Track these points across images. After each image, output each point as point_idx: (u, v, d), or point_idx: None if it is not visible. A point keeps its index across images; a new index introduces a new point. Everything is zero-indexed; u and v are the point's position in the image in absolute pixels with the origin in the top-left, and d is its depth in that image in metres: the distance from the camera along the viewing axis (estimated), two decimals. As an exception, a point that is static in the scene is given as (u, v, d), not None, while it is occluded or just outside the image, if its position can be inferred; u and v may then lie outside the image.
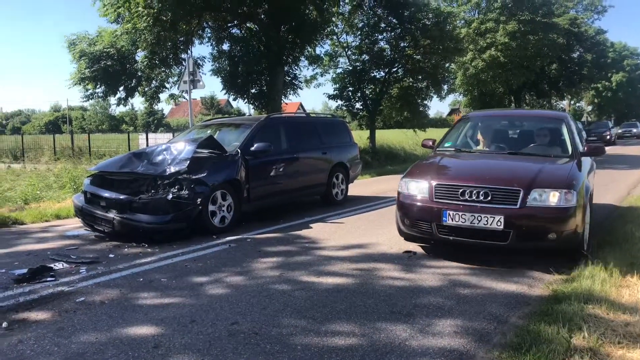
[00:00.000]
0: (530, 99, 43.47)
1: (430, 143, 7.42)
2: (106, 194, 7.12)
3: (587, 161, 6.59)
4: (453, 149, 7.11)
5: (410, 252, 6.15)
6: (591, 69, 41.36)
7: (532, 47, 31.49)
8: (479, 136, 7.39)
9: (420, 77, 23.58)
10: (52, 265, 5.64)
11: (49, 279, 5.21)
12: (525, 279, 5.10)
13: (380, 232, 7.32)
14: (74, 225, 8.12)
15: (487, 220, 5.27)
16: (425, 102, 24.90)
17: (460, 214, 5.41)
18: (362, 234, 7.24)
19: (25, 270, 5.36)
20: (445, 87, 26.07)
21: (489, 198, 5.35)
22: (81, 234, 7.49)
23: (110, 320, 4.07)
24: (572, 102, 63.62)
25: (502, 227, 5.20)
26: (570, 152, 6.38)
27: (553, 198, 5.23)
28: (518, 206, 5.22)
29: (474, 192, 5.43)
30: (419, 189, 5.83)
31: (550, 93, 43.63)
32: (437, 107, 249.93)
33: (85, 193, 7.48)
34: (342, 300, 4.47)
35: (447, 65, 24.78)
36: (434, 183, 5.71)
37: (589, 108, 71.52)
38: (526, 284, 4.92)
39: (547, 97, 44.20)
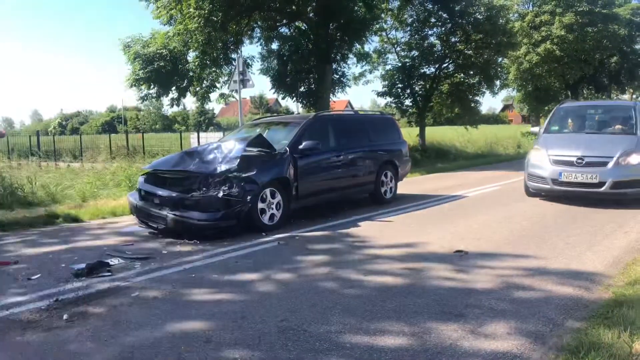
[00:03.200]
0: (589, 94, 41.77)
1: None
2: (160, 191, 7.32)
3: None
4: None
5: (462, 251, 6.02)
6: (656, 61, 39.24)
7: (590, 40, 30.25)
8: None
9: (471, 72, 23.08)
10: (108, 261, 5.84)
11: (105, 274, 5.39)
12: (583, 280, 4.88)
13: (430, 231, 7.20)
14: (129, 222, 8.38)
15: None
16: (477, 98, 24.35)
17: None
18: (411, 233, 7.15)
19: (83, 265, 5.57)
20: (498, 82, 25.36)
21: None
22: (136, 230, 7.72)
23: (163, 315, 4.17)
24: (635, 95, 60.76)
25: None
26: None
27: None
28: None
29: None
30: None
31: (610, 87, 41.79)
32: (490, 103, 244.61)
33: (139, 191, 7.71)
34: (392, 299, 4.41)
35: (499, 59, 24.16)
36: None
37: (652, 102, 68.22)
38: (584, 286, 4.71)
39: (607, 91, 42.35)
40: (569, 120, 10.62)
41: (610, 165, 8.53)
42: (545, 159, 9.13)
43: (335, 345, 3.53)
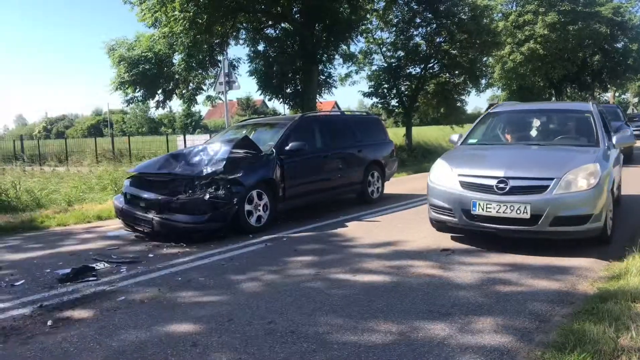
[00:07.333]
0: (572, 92, 42.23)
1: None
2: (145, 194, 7.25)
3: None
4: None
5: (448, 250, 6.04)
6: (637, 59, 39.75)
7: (572, 39, 30.62)
8: None
9: (457, 72, 23.22)
10: (94, 265, 5.78)
11: (91, 278, 5.34)
12: (568, 276, 4.93)
13: (417, 230, 7.21)
14: (115, 226, 8.30)
15: None
16: (463, 97, 24.55)
17: None
18: (398, 232, 7.16)
19: (68, 270, 5.51)
20: (483, 81, 25.57)
21: None
22: (122, 234, 7.65)
23: (149, 319, 4.13)
24: (617, 93, 61.51)
25: None
26: None
27: None
28: None
29: None
30: None
31: (593, 85, 42.28)
32: (475, 102, 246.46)
33: (125, 194, 7.64)
34: (379, 299, 4.42)
35: (484, 59, 24.33)
36: None
37: (635, 100, 69.09)
38: (569, 282, 4.76)
39: (590, 90, 42.84)
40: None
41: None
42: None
43: (323, 346, 3.52)
